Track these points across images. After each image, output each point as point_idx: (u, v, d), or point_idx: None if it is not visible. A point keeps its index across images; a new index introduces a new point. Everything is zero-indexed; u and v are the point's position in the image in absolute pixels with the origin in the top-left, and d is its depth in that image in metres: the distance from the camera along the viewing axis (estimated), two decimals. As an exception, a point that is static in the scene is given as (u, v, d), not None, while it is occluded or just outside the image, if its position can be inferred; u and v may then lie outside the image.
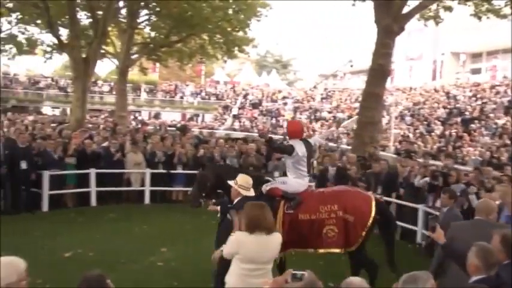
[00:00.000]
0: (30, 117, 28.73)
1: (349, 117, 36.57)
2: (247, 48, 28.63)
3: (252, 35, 27.82)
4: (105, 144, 13.67)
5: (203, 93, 48.89)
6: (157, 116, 47.46)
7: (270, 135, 7.40)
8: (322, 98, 43.69)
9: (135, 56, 28.09)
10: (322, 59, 63.13)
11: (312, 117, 38.86)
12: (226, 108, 43.92)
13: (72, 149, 12.65)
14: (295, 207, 6.51)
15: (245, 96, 45.57)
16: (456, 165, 13.36)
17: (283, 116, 40.04)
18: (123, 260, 8.14)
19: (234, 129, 34.95)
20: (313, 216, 6.48)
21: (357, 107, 35.14)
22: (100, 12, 22.54)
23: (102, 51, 25.19)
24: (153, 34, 29.25)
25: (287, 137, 7.20)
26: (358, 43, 50.91)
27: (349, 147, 18.97)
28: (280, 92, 46.69)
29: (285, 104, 42.79)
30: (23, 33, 29.48)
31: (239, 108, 43.07)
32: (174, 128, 27.19)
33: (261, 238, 4.29)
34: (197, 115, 48.05)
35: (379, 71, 16.59)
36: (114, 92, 39.77)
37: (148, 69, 36.28)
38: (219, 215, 6.12)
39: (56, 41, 24.23)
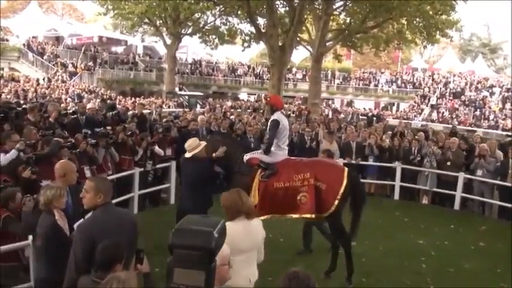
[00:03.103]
0: (228, 103, 30.35)
1: None
2: (450, 32, 26.34)
3: (457, 16, 25.42)
4: (299, 131, 13.37)
5: (399, 81, 46.91)
6: (350, 104, 46.90)
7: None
8: (539, 86, 38.69)
9: (330, 43, 27.82)
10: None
11: (525, 108, 34.71)
12: (424, 97, 41.41)
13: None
14: (267, 176, 6.90)
15: (445, 85, 42.54)
16: None
17: (490, 107, 36.34)
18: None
19: (432, 121, 32.97)
20: (287, 184, 6.82)
21: None
22: (296, 0, 22.58)
23: (298, 38, 25.30)
24: (348, 20, 28.61)
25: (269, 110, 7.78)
26: None
27: None
28: (486, 79, 42.49)
29: (492, 93, 38.81)
30: (225, 24, 31.58)
31: (438, 98, 40.32)
32: (365, 117, 26.46)
33: (244, 224, 4.03)
34: (392, 104, 46.41)
35: None
36: (307, 79, 40.18)
37: (342, 56, 35.77)
38: None
39: (254, 30, 25.09)
